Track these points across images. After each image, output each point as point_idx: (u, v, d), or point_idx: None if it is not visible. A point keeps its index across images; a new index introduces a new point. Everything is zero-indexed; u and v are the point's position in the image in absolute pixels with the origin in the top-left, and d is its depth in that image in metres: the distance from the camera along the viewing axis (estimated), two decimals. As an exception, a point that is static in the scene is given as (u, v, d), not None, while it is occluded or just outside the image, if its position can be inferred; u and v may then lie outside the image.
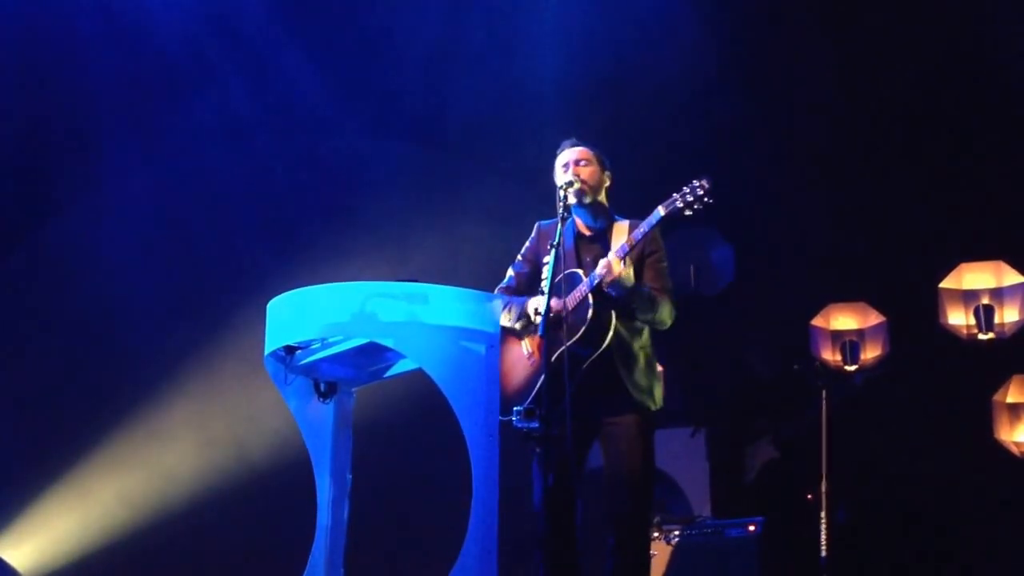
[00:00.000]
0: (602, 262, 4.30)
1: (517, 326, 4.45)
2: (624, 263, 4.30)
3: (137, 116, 7.66)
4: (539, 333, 4.12)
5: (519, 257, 4.71)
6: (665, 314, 4.44)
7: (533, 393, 4.31)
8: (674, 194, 4.29)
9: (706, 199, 4.24)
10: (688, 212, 4.26)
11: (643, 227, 4.32)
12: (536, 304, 4.39)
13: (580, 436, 4.28)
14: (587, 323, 4.29)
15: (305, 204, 7.78)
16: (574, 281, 4.40)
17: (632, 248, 4.34)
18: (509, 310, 4.45)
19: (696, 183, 4.26)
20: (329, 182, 7.88)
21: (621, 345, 4.37)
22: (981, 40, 7.33)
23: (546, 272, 4.29)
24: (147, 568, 7.28)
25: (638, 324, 4.43)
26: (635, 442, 4.37)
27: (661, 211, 4.29)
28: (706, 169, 4.31)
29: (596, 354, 4.29)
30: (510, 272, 4.71)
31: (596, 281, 4.31)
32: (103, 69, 7.51)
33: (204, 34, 7.58)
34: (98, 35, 7.43)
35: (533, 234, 4.72)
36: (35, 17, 7.37)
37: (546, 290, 4.21)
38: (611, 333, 4.31)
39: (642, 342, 4.46)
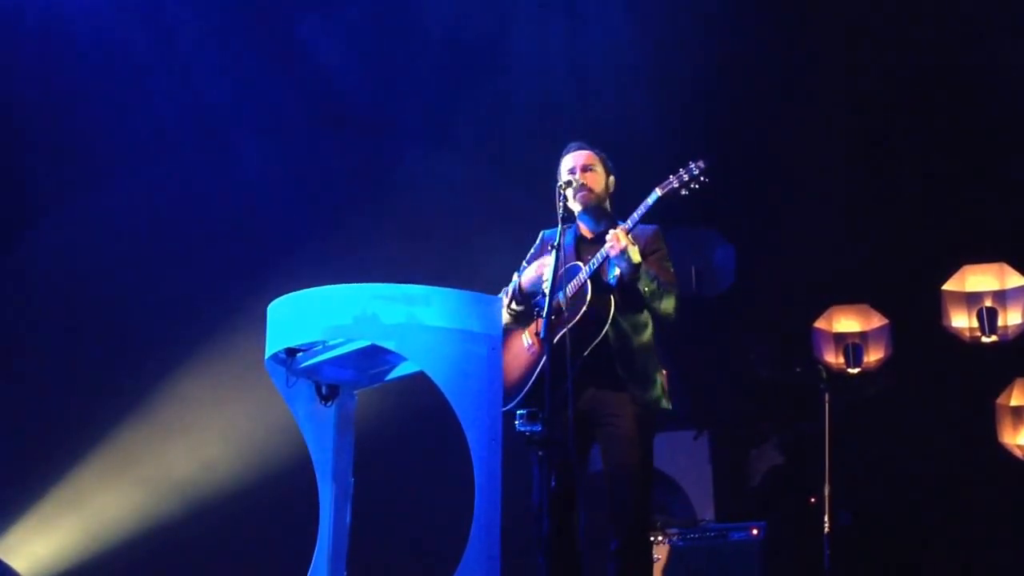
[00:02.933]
0: (609, 236, 4.29)
1: (516, 308, 4.45)
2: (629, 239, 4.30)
3: (135, 113, 7.64)
4: (541, 335, 4.13)
5: (524, 264, 4.72)
6: (670, 304, 4.43)
7: (531, 382, 4.32)
8: (670, 175, 4.31)
9: (702, 178, 4.27)
10: (684, 192, 4.30)
11: (640, 209, 4.35)
12: (529, 275, 4.39)
13: (581, 437, 4.28)
14: (583, 312, 4.30)
15: (306, 206, 7.77)
16: (574, 272, 4.41)
17: (632, 228, 4.34)
18: (505, 295, 4.48)
19: (692, 164, 4.30)
20: (331, 183, 7.87)
21: (620, 340, 4.37)
22: (983, 42, 7.33)
23: (547, 273, 4.29)
24: (149, 570, 7.26)
25: (640, 319, 4.42)
26: (634, 441, 4.36)
27: (658, 192, 4.32)
28: (707, 170, 4.31)
29: (594, 344, 4.28)
30: (515, 278, 4.71)
31: (599, 263, 4.31)
32: (98, 66, 7.51)
33: (207, 29, 7.59)
34: (86, 37, 7.44)
35: (537, 242, 4.74)
36: (11, 21, 7.37)
37: (547, 292, 4.21)
38: (609, 322, 4.31)
39: (643, 339, 4.45)
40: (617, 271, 4.33)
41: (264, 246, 7.63)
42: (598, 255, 4.34)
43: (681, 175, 4.29)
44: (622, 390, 4.37)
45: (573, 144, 4.66)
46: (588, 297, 4.32)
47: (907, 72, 7.56)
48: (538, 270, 4.44)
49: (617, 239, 4.26)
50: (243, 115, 7.72)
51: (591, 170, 4.56)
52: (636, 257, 4.30)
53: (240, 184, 7.74)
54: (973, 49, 7.34)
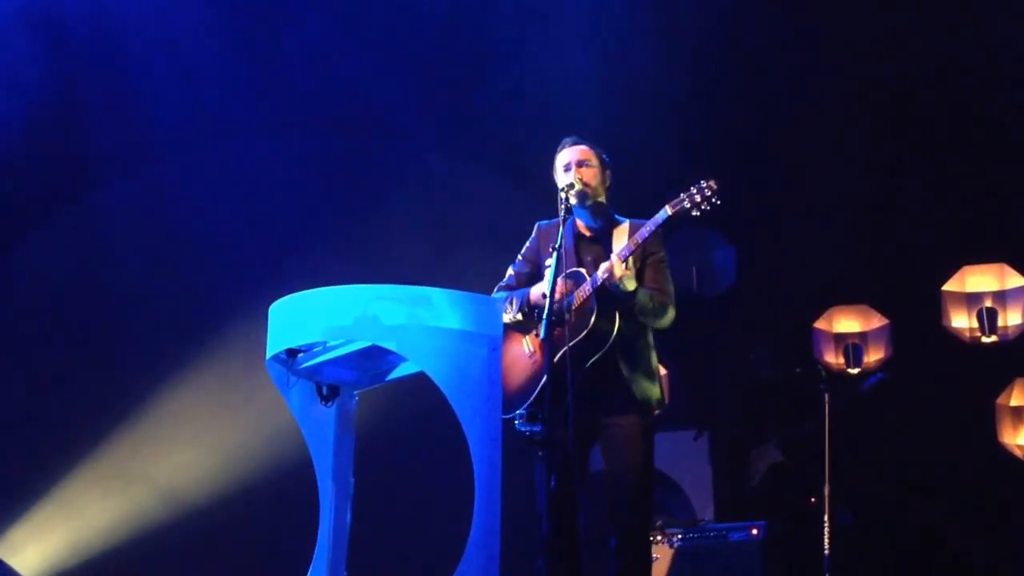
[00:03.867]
0: (604, 265, 4.30)
1: (519, 317, 4.45)
2: (627, 265, 4.30)
3: (137, 114, 7.64)
4: (541, 336, 4.13)
5: (519, 257, 4.72)
6: (665, 317, 4.45)
7: (535, 393, 4.31)
8: (681, 194, 4.30)
9: (714, 200, 4.26)
10: (695, 213, 4.28)
11: (649, 226, 4.33)
12: (541, 289, 4.38)
13: (582, 438, 4.28)
14: (591, 324, 4.29)
15: (307, 206, 7.77)
16: (577, 279, 4.40)
17: (636, 249, 4.35)
18: (511, 303, 4.46)
19: (703, 183, 4.28)
20: (332, 183, 7.87)
21: (624, 345, 4.37)
22: (983, 42, 7.32)
23: (548, 275, 4.29)
24: (150, 570, 7.27)
25: (640, 322, 4.43)
26: (636, 443, 4.37)
27: (668, 211, 4.30)
28: (708, 170, 4.31)
29: (599, 354, 4.29)
30: (510, 271, 4.72)
31: (599, 282, 4.31)
32: (97, 68, 7.51)
33: (207, 31, 7.58)
34: (96, 35, 7.44)
35: (533, 234, 4.73)
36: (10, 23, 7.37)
37: (547, 293, 4.21)
38: (615, 333, 4.31)
39: (645, 342, 4.46)
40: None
41: (266, 247, 7.63)
42: (594, 277, 4.34)
43: (692, 194, 4.27)
44: (625, 392, 4.37)
45: (568, 139, 4.65)
46: (595, 311, 4.32)
47: (907, 72, 7.55)
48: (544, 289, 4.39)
49: (611, 271, 4.27)
50: (244, 116, 7.72)
51: (586, 165, 4.56)
52: (631, 285, 4.31)
53: (240, 186, 7.74)
54: (973, 49, 7.34)
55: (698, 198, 4.27)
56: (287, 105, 7.81)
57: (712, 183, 4.27)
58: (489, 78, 7.73)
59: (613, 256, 4.32)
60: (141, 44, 7.54)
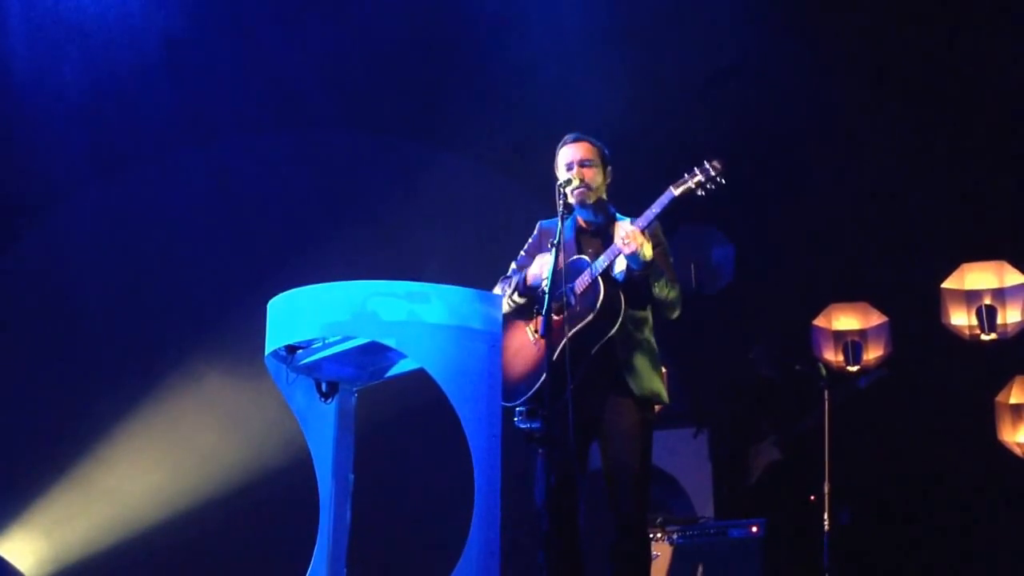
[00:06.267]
0: (627, 232, 4.25)
1: (519, 300, 4.44)
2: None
3: (137, 111, 7.64)
4: (541, 333, 4.12)
5: (522, 252, 4.73)
6: (676, 298, 4.44)
7: (539, 383, 4.29)
8: (685, 175, 4.28)
9: (719, 179, 4.23)
10: (700, 192, 4.24)
11: (655, 208, 4.29)
12: (538, 267, 4.37)
13: (582, 432, 4.28)
14: (597, 309, 4.28)
15: (306, 203, 7.77)
16: (580, 267, 4.39)
17: (645, 226, 4.31)
18: (508, 286, 4.47)
19: (707, 164, 4.25)
20: (332, 181, 7.87)
21: (625, 336, 4.36)
22: (983, 40, 7.33)
23: (546, 272, 4.28)
24: (150, 568, 7.28)
25: (640, 315, 4.43)
26: (634, 438, 4.37)
27: (673, 191, 4.27)
28: (723, 171, 4.29)
29: (604, 340, 4.28)
30: (513, 266, 4.72)
31: (612, 258, 4.28)
32: (103, 65, 7.51)
33: (204, 26, 7.58)
34: (88, 29, 7.43)
35: (535, 232, 4.74)
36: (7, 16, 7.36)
37: (546, 289, 4.20)
38: (620, 318, 4.30)
39: (645, 335, 4.46)
40: (623, 266, 4.32)
41: (266, 245, 7.64)
42: (608, 252, 4.32)
43: (696, 175, 4.25)
44: (624, 386, 4.37)
45: (570, 135, 4.63)
46: (601, 294, 4.31)
47: (907, 71, 7.55)
48: (542, 267, 4.40)
49: (633, 237, 4.23)
50: (245, 113, 7.72)
51: (589, 165, 4.54)
52: (649, 254, 4.28)
53: (239, 183, 7.74)
54: (974, 46, 7.33)
55: (702, 178, 4.23)
56: (285, 102, 7.81)
57: (716, 163, 4.23)
58: (491, 76, 7.72)
59: (633, 225, 4.26)
60: (146, 40, 7.53)
